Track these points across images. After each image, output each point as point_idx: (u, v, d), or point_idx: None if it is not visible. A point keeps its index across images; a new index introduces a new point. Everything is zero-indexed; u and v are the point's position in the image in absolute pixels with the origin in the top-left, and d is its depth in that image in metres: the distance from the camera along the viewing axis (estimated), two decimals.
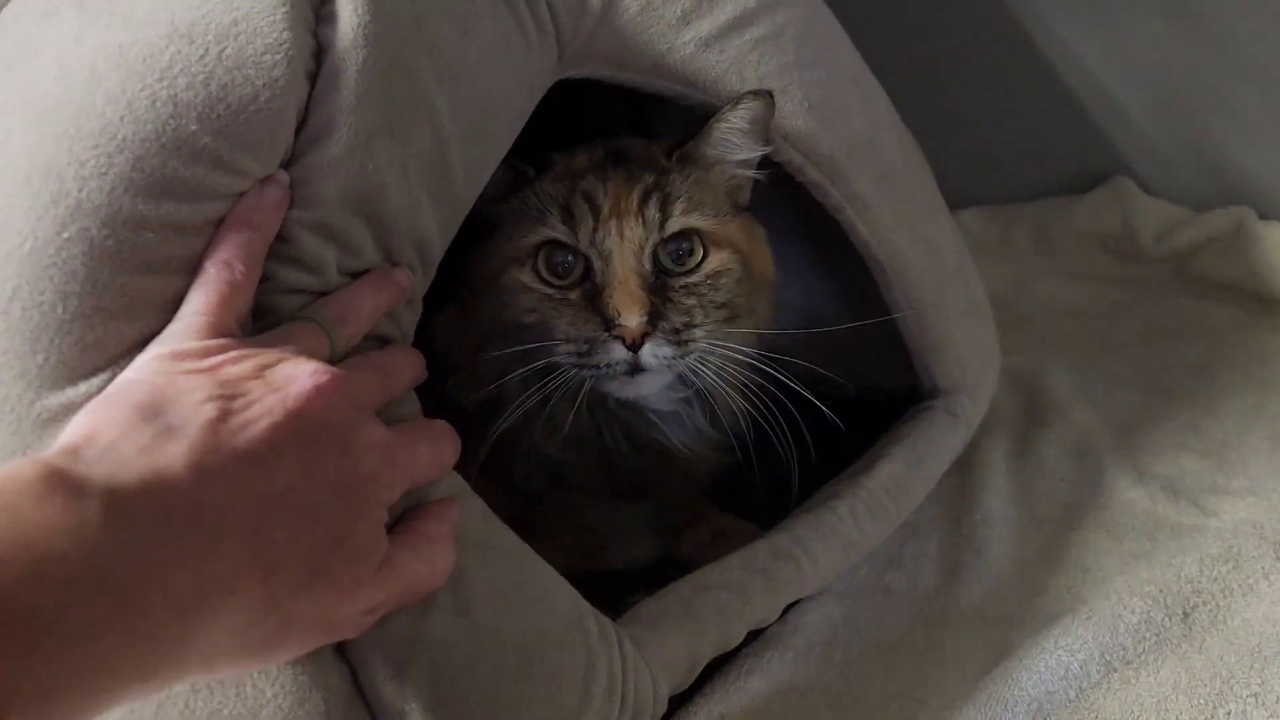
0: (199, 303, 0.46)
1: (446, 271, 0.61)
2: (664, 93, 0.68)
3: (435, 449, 0.51)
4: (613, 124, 0.80)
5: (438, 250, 0.59)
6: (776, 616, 0.67)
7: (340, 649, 0.48)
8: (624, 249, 0.64)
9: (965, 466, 0.85)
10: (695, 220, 0.67)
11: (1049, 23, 1.20)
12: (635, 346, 0.62)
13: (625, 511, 0.75)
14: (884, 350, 0.85)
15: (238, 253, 0.48)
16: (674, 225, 0.66)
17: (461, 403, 0.70)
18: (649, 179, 0.66)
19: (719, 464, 0.78)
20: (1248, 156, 1.19)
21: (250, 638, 0.40)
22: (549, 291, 0.65)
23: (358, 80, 0.51)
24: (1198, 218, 1.23)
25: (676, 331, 0.63)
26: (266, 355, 0.45)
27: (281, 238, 0.52)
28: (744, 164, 0.70)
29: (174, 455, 0.38)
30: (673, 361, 0.63)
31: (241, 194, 0.50)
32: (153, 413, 0.39)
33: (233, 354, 0.44)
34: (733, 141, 0.69)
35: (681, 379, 0.69)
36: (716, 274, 0.67)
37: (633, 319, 0.62)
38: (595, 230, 0.64)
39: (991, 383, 0.89)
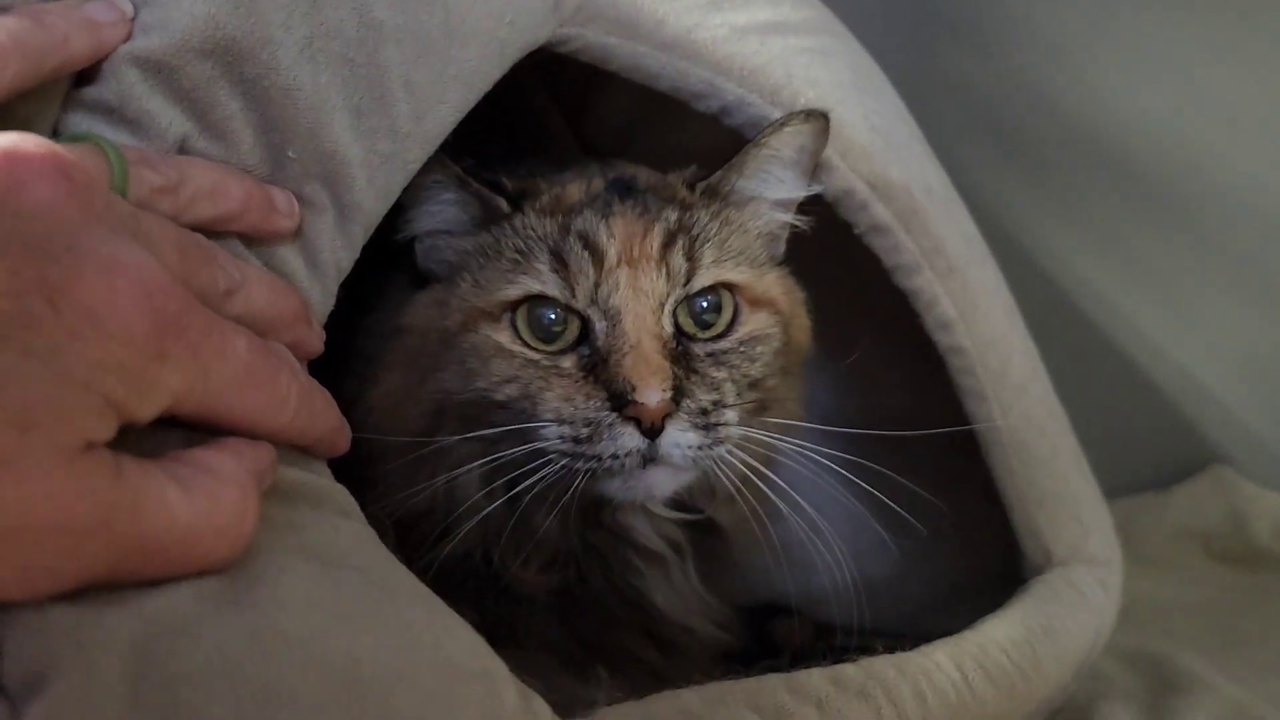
0: None
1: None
2: (685, 87, 0.52)
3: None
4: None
5: (362, 194, 0.42)
6: None
7: None
8: (638, 306, 0.48)
9: None
10: (729, 273, 0.51)
11: (1118, 306, 1.08)
12: (653, 431, 0.46)
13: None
14: (948, 593, 0.70)
15: None
16: (704, 279, 0.50)
17: (392, 512, 0.49)
18: (671, 217, 0.50)
19: (715, 648, 0.56)
20: None
21: None
22: (533, 356, 0.48)
23: None
24: None
25: (704, 412, 0.47)
26: None
27: (98, 76, 0.35)
28: (783, 205, 0.55)
29: None
30: (698, 454, 0.47)
31: None
32: None
33: None
34: (774, 174, 0.53)
35: (682, 502, 0.53)
36: (752, 340, 0.51)
37: (653, 394, 0.45)
38: (598, 284, 0.48)
39: (1118, 573, 0.65)
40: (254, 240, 0.38)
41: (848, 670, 0.42)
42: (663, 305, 0.48)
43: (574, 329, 0.48)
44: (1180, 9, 0.89)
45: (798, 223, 0.55)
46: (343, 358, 0.47)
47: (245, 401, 0.32)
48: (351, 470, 0.41)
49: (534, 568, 0.51)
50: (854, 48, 0.62)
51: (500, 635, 0.36)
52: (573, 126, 0.70)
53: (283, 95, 0.38)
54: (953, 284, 0.56)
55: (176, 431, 0.31)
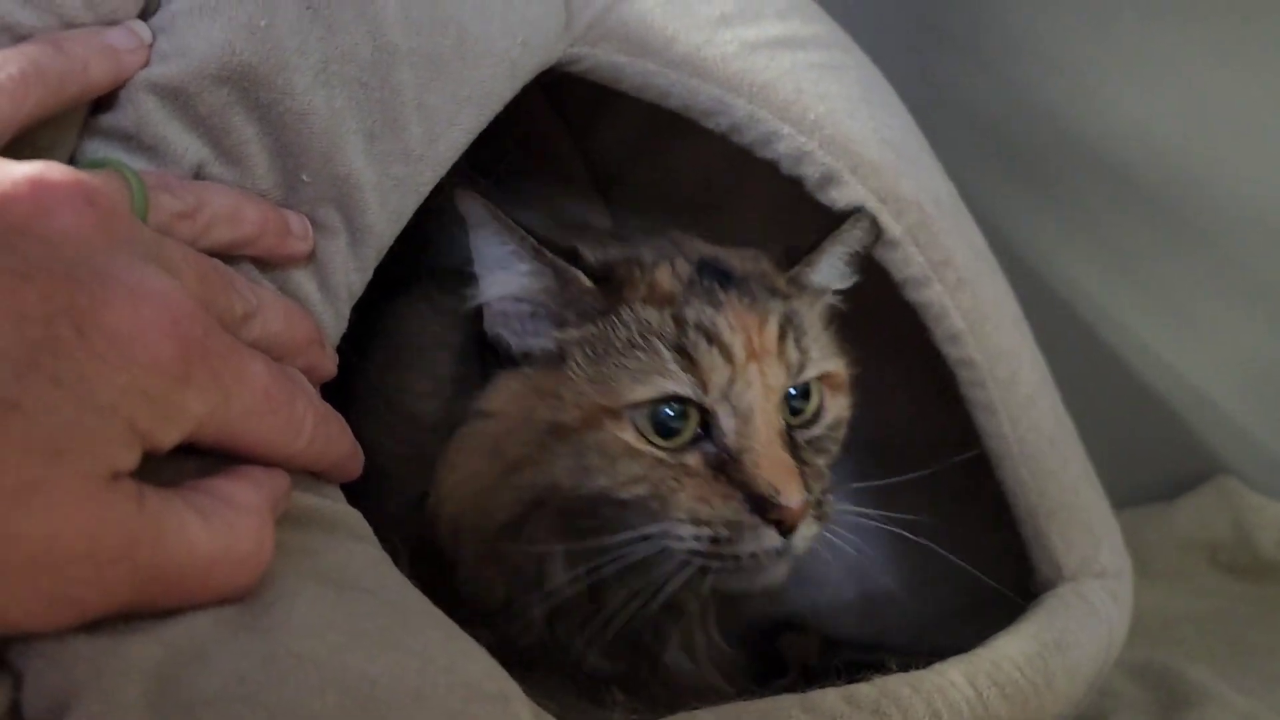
0: None
1: None
2: (695, 104, 0.53)
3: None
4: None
5: (375, 217, 0.43)
6: None
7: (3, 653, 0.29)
8: (765, 403, 0.47)
9: None
10: (827, 363, 0.52)
11: (1121, 317, 1.06)
12: (790, 530, 0.46)
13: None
14: (957, 609, 0.68)
15: (18, 59, 0.32)
16: (811, 371, 0.50)
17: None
18: (778, 309, 0.50)
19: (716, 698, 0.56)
20: None
21: None
22: (660, 455, 0.47)
23: None
24: None
25: (820, 504, 0.48)
26: None
27: (115, 103, 0.35)
28: (834, 292, 0.57)
29: None
30: (814, 541, 0.49)
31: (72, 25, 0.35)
32: None
33: None
34: (837, 267, 0.55)
35: None
36: (837, 424, 0.53)
37: (796, 497, 0.46)
38: (731, 380, 0.47)
39: (1128, 583, 0.65)
40: (268, 264, 0.39)
41: (862, 689, 0.42)
42: (781, 400, 0.48)
43: (693, 425, 0.47)
44: (1181, 19, 0.88)
45: (838, 304, 0.57)
46: (349, 386, 0.46)
47: (263, 426, 0.32)
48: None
49: (599, 649, 0.51)
50: (862, 61, 0.62)
51: (511, 659, 0.36)
52: (580, 147, 0.70)
53: (297, 120, 0.38)
54: (962, 296, 0.56)
55: (193, 459, 0.31)
